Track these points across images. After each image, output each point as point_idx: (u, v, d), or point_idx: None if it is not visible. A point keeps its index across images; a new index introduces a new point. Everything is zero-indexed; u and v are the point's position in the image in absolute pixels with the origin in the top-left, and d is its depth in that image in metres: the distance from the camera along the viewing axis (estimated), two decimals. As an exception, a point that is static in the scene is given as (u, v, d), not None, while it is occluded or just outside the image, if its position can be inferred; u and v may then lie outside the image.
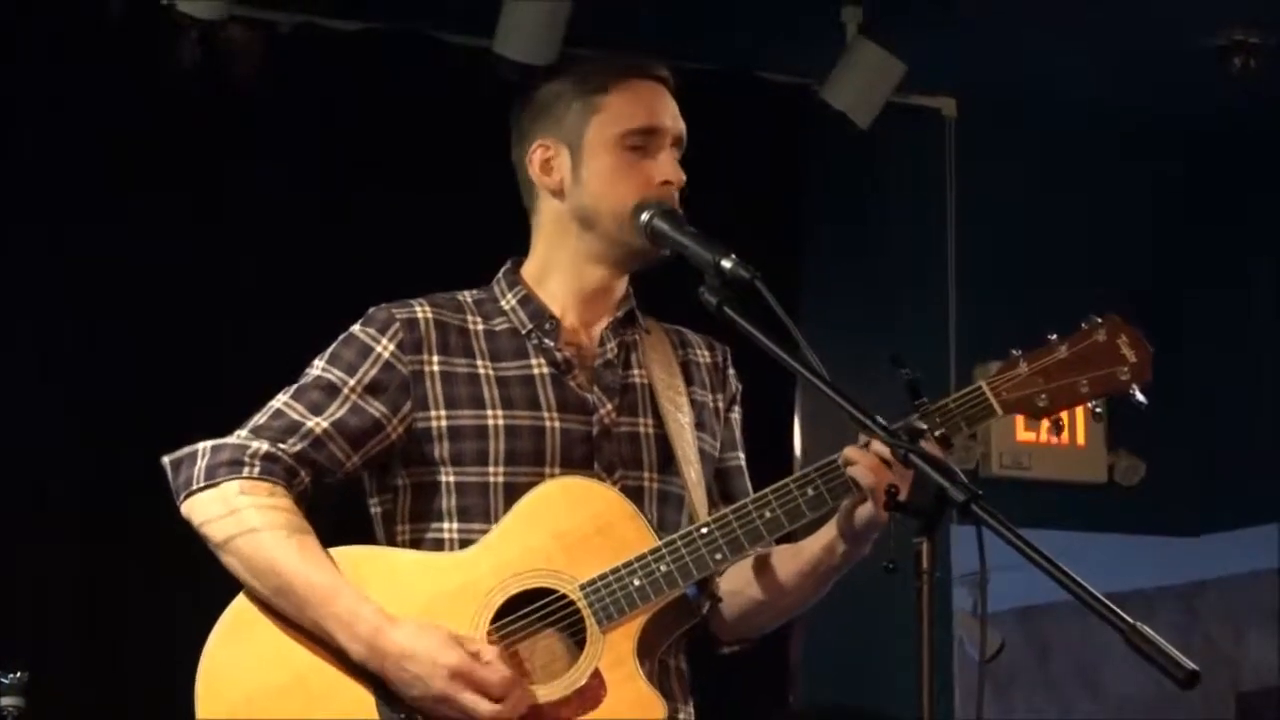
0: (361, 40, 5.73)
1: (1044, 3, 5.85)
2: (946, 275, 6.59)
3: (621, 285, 3.10)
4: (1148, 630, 2.36)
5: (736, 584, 3.05)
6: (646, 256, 3.03)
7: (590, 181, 3.02)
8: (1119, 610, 2.37)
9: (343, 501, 3.03)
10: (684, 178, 3.03)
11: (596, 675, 2.82)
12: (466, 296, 3.09)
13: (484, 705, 2.77)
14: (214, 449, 2.92)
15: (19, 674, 4.28)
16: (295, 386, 2.99)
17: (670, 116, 3.05)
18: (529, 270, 3.10)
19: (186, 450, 2.94)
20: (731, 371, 3.19)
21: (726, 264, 2.81)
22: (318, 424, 2.93)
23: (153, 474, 3.01)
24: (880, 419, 2.67)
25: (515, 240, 3.14)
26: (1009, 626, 8.70)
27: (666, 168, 3.02)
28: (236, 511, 2.86)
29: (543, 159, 3.06)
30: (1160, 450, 6.65)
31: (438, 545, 2.95)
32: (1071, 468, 6.70)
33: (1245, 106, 6.30)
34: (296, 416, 2.94)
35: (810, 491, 2.87)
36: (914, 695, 2.51)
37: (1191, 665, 2.34)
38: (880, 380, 3.03)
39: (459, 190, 5.56)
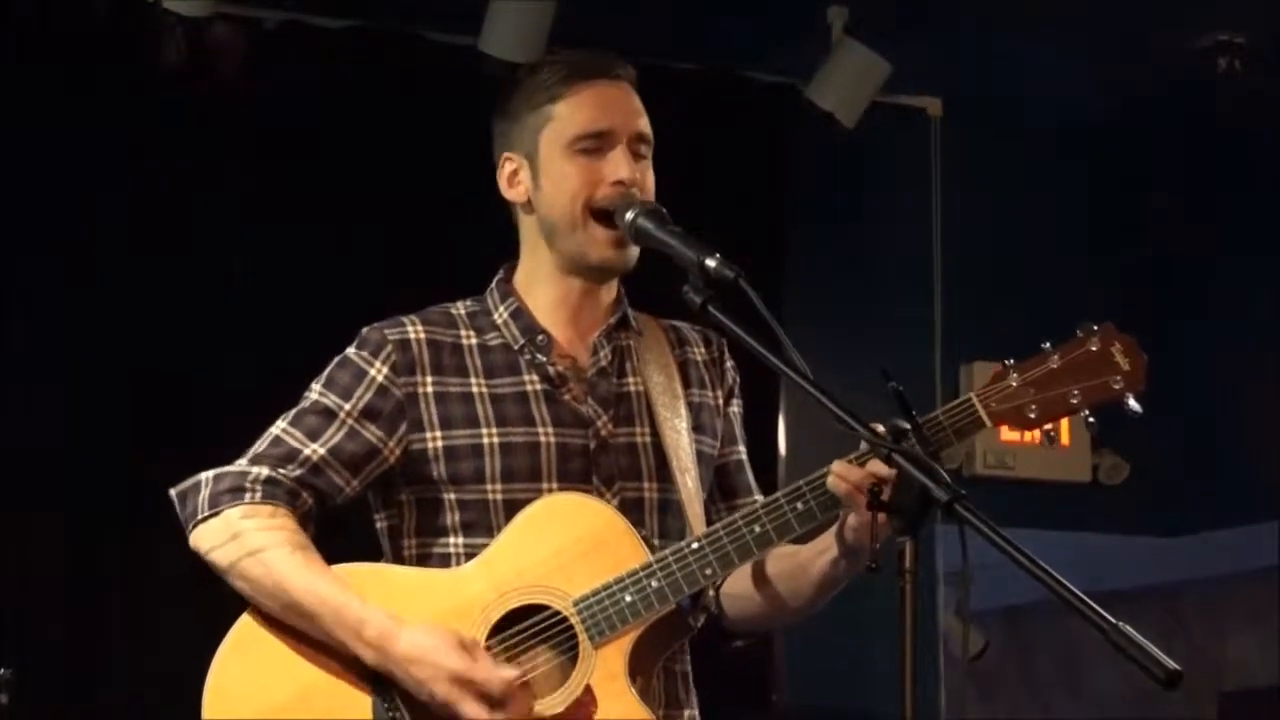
0: (347, 38, 5.72)
1: (1029, 3, 5.85)
2: (932, 273, 6.60)
3: (608, 292, 3.06)
4: (1130, 630, 2.36)
5: (742, 588, 3.05)
6: (608, 265, 2.99)
7: (547, 191, 3.00)
8: (1101, 610, 2.38)
9: (351, 516, 3.04)
10: (639, 176, 2.96)
11: (588, 690, 2.83)
12: (460, 309, 3.07)
13: (483, 713, 2.78)
14: (216, 478, 2.94)
15: (4, 671, 4.27)
16: (293, 412, 2.99)
17: (622, 115, 2.98)
18: (518, 280, 3.08)
19: (191, 481, 2.95)
20: (729, 364, 3.16)
21: (710, 263, 2.78)
22: (315, 451, 2.94)
23: (140, 472, 3.02)
24: (863, 419, 2.67)
25: (504, 240, 3.12)
26: (994, 626, 8.70)
27: (619, 166, 2.96)
28: (239, 535, 2.88)
29: (510, 173, 3.05)
30: (1144, 450, 6.65)
31: (444, 560, 2.96)
32: (1055, 467, 6.70)
33: (1231, 107, 6.31)
34: (294, 444, 2.95)
35: (800, 506, 2.87)
36: (897, 694, 2.51)
37: (1174, 665, 2.34)
38: (866, 378, 3.02)
39: (444, 189, 5.55)
